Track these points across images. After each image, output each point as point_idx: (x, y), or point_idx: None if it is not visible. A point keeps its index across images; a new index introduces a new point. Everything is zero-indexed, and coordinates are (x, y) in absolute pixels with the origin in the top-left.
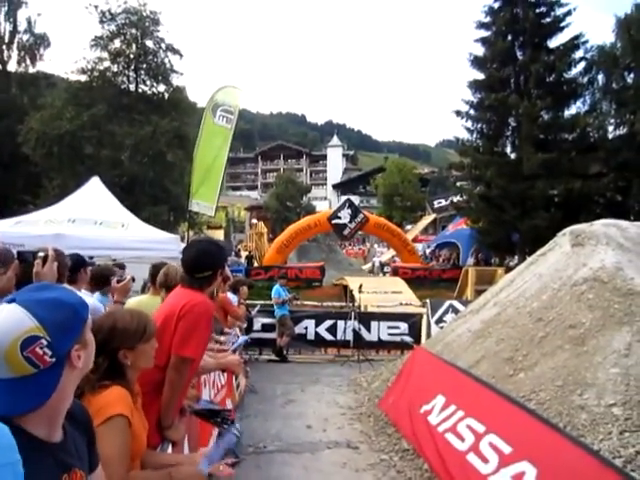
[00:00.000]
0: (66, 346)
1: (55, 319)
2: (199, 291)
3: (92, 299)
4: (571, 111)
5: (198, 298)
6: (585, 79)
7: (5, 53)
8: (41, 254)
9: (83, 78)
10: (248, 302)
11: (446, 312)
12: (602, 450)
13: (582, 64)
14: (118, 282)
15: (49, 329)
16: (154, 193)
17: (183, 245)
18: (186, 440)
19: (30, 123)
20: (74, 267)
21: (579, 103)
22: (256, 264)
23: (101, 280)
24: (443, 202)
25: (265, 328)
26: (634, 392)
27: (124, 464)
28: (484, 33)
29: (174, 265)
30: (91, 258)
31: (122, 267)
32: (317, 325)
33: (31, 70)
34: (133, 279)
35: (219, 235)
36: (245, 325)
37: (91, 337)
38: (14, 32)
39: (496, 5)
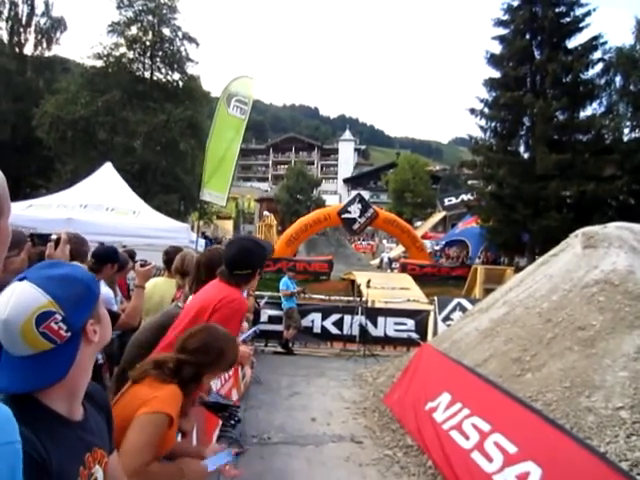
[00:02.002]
0: (81, 320)
1: (68, 294)
2: (236, 287)
3: (106, 288)
4: (587, 112)
5: (235, 295)
6: (602, 80)
7: (22, 36)
8: (54, 237)
9: (99, 64)
10: (256, 293)
11: (453, 310)
12: (608, 453)
13: (600, 65)
14: (142, 266)
15: (62, 304)
16: (166, 182)
17: (193, 234)
18: (195, 431)
19: (45, 107)
20: (102, 259)
21: (595, 104)
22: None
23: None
24: (454, 200)
25: (272, 320)
26: None
27: (145, 458)
28: (502, 31)
29: (191, 251)
30: (101, 244)
31: (132, 255)
32: (324, 319)
33: (47, 54)
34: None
35: (228, 226)
36: (252, 317)
37: (104, 312)
38: (31, 15)
39: (515, 3)
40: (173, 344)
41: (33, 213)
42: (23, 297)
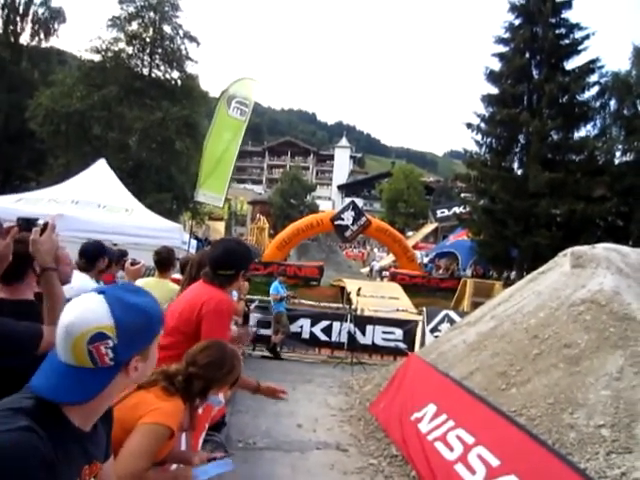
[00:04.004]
0: (128, 354)
1: (129, 324)
2: (220, 288)
3: (94, 283)
4: (581, 133)
5: (220, 295)
6: (597, 103)
7: (19, 25)
8: (41, 222)
9: (97, 58)
10: (247, 297)
11: (442, 321)
12: (589, 470)
13: (596, 88)
14: (132, 265)
15: (120, 332)
16: (159, 180)
17: (186, 235)
18: (183, 435)
19: (39, 99)
20: (93, 256)
21: (589, 126)
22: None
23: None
24: (446, 212)
25: (260, 324)
26: (623, 415)
27: (142, 465)
28: (502, 48)
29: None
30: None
31: (125, 255)
32: (313, 325)
33: (44, 45)
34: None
35: (220, 227)
36: (242, 320)
37: (155, 352)
38: (29, 4)
39: (517, 22)
40: (163, 347)
41: (23, 207)
42: (91, 310)
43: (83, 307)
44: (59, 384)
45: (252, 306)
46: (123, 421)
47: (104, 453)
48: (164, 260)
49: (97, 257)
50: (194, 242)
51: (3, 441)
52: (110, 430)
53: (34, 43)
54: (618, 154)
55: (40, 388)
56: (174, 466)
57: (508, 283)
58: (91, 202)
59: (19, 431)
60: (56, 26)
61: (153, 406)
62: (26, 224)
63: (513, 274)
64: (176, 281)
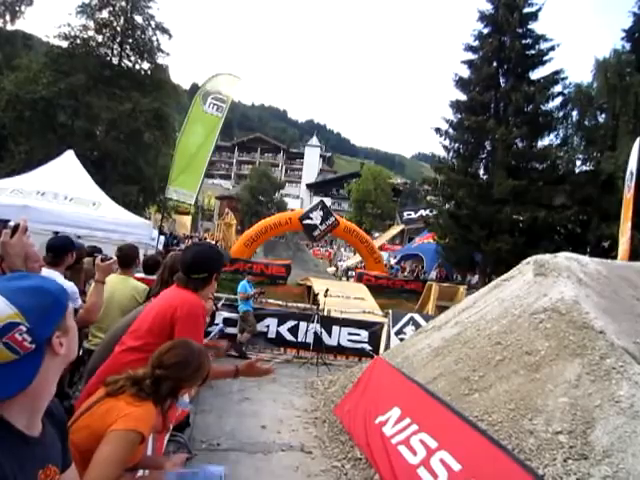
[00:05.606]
0: (46, 332)
1: (34, 305)
2: (193, 292)
3: (70, 283)
4: (544, 142)
5: (193, 299)
6: (560, 113)
7: None
8: (11, 223)
9: (65, 44)
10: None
11: (407, 324)
12: (546, 475)
13: (559, 99)
14: (103, 261)
15: (28, 315)
16: (126, 172)
17: (155, 231)
18: (150, 437)
19: (2, 83)
20: (61, 250)
21: (552, 136)
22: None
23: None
24: (412, 214)
25: (226, 322)
26: (580, 422)
27: (114, 473)
28: (471, 56)
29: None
30: (56, 234)
31: (99, 251)
32: (279, 324)
33: (10, 27)
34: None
35: (186, 221)
36: (209, 319)
37: (73, 324)
38: None
39: (485, 31)
40: (135, 349)
41: None
42: None
43: None
44: None
45: (219, 304)
46: (94, 429)
47: (61, 459)
48: (126, 257)
49: (65, 252)
50: (162, 238)
51: None
52: (64, 436)
53: None
54: (578, 163)
55: None
56: (140, 472)
57: (471, 286)
58: (57, 194)
59: None
60: (23, 9)
61: (124, 412)
62: None
63: (476, 277)
64: (139, 280)
